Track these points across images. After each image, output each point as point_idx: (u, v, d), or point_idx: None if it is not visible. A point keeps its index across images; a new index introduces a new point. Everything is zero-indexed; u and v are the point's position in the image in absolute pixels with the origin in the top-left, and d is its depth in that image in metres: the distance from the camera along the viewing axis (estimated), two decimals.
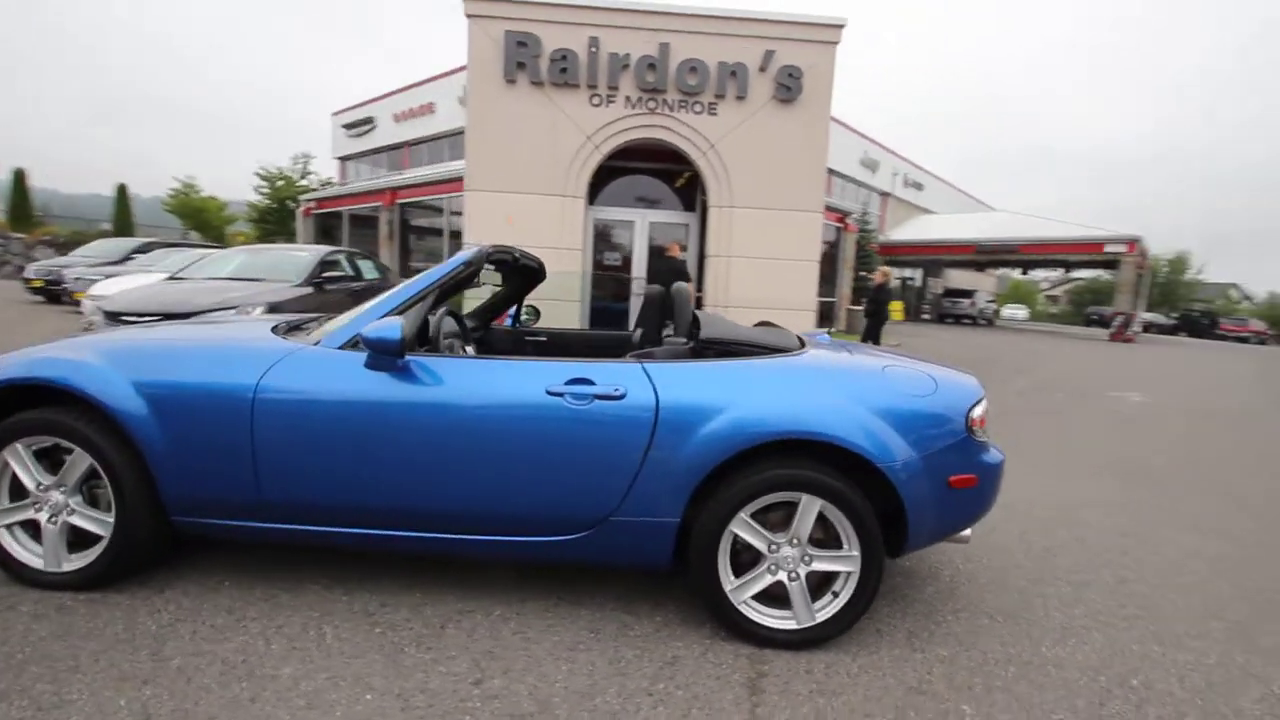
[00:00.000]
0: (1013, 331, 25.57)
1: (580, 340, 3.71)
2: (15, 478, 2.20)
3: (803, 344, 2.41)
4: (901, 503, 2.09)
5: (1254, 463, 5.49)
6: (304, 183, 25.66)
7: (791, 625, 2.13)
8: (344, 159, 27.45)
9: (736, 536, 2.12)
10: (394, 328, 2.00)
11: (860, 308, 16.87)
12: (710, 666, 2.02)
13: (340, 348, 2.19)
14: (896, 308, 21.64)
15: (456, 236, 15.91)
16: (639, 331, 3.14)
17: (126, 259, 12.86)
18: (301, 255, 8.10)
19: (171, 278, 7.63)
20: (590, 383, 2.10)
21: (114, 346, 2.28)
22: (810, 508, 2.08)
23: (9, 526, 2.22)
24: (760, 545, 2.12)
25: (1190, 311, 35.60)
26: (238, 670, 1.85)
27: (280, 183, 25.32)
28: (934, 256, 26.39)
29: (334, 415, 2.10)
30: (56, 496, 2.19)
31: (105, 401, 2.09)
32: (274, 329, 2.52)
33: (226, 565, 2.46)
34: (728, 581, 2.13)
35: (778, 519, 2.14)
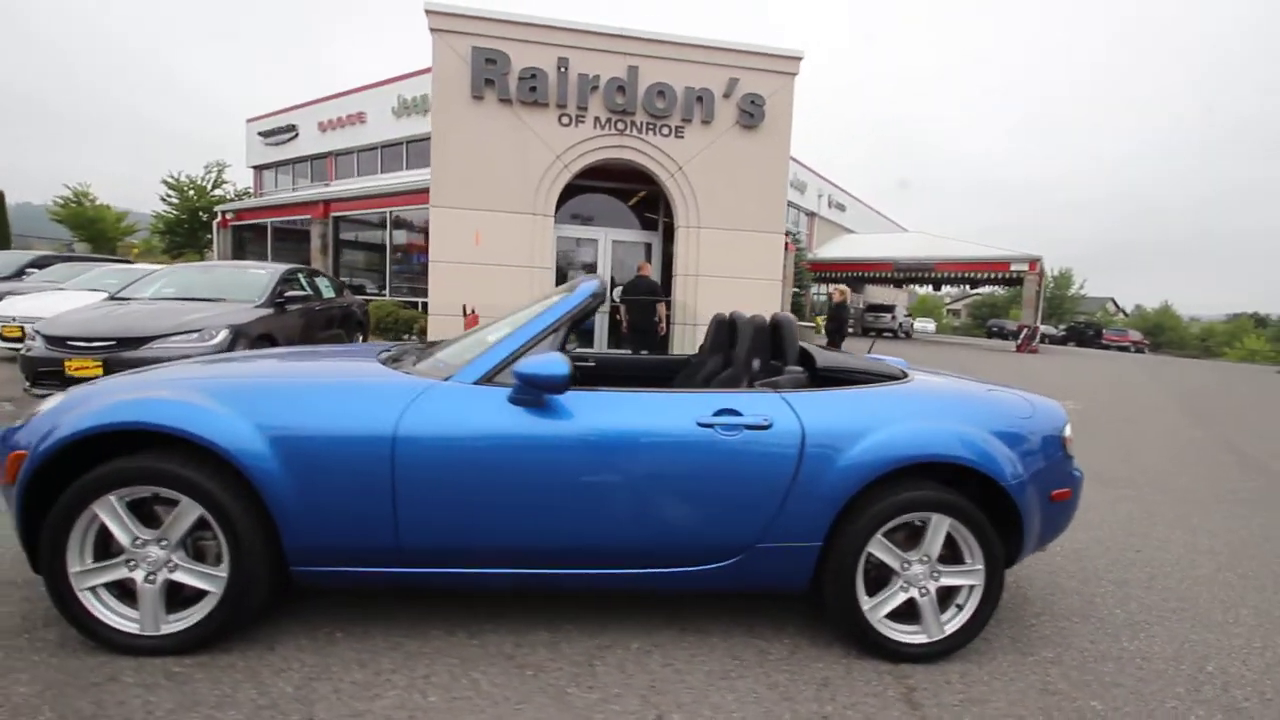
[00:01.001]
0: (929, 344, 27.39)
1: (634, 366, 3.71)
2: (101, 533, 1.98)
3: (905, 373, 2.56)
4: (1020, 517, 2.26)
5: (1199, 461, 6.19)
6: (218, 192, 23.93)
7: (923, 639, 2.24)
8: (260, 168, 25.82)
9: (869, 556, 2.22)
10: (560, 363, 1.97)
11: (810, 324, 17.62)
12: (862, 685, 2.10)
13: (476, 383, 2.13)
14: (819, 322, 22.68)
15: (401, 251, 15.40)
16: (714, 358, 3.19)
17: (20, 274, 11.53)
18: (258, 273, 7.60)
19: (113, 298, 6.96)
20: (738, 413, 2.14)
21: (221, 385, 2.11)
22: (941, 526, 2.21)
23: (93, 589, 1.99)
24: (894, 564, 2.23)
25: (1076, 323, 39.45)
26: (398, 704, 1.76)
27: (191, 192, 23.48)
28: (858, 273, 27.88)
29: (479, 454, 2.04)
30: (155, 551, 1.99)
31: (227, 447, 1.93)
32: (381, 360, 2.41)
33: (321, 613, 2.31)
34: (864, 601, 2.22)
35: (902, 538, 2.26)
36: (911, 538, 2.25)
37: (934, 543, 2.23)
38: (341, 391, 2.11)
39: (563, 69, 9.18)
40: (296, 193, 20.11)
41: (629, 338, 9.09)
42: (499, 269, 9.33)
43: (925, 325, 43.94)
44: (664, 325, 9.26)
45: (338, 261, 17.12)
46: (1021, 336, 22.94)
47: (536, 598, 2.50)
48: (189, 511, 1.97)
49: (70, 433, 1.91)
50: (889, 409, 2.26)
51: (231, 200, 22.07)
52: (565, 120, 9.34)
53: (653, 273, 9.24)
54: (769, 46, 9.65)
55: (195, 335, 5.97)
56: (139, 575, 1.99)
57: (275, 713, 1.79)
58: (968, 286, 34.68)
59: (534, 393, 2.06)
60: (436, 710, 1.84)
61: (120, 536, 1.97)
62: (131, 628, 1.99)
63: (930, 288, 38.82)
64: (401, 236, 15.68)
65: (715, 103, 9.58)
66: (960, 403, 2.39)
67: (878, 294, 34.81)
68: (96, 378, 2.59)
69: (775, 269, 10.31)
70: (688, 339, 9.93)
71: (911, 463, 2.16)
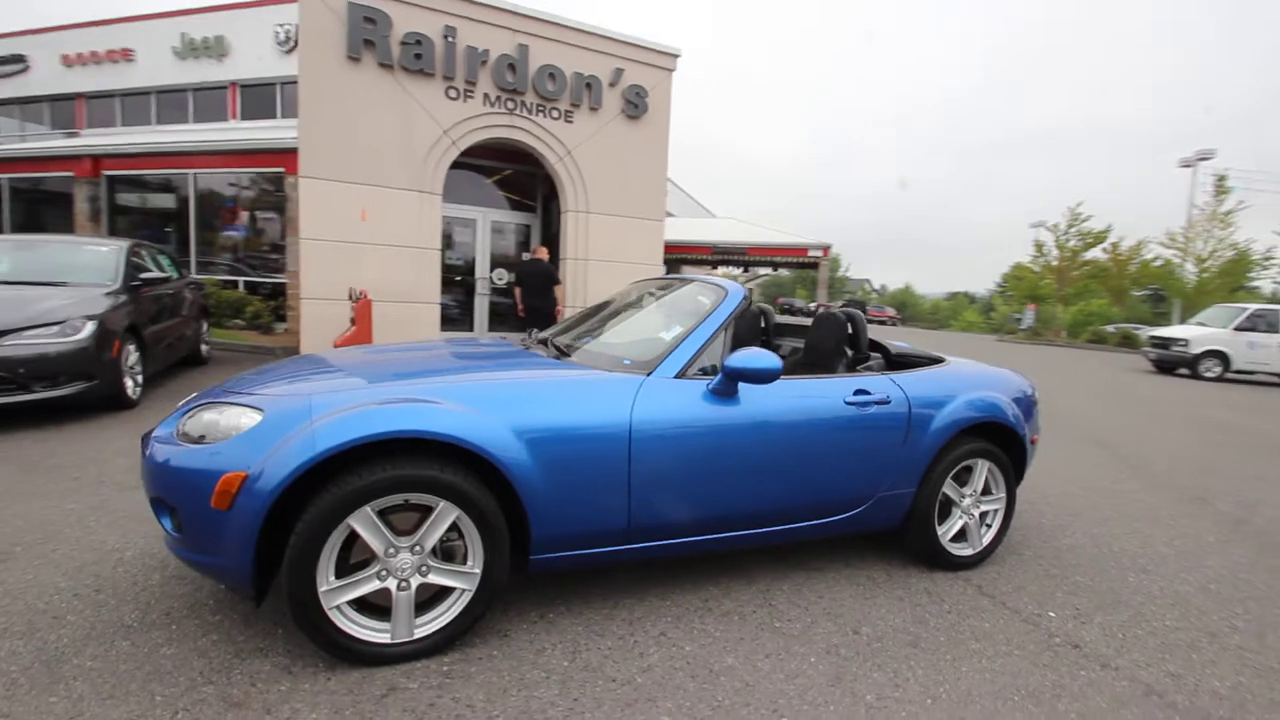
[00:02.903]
0: None
1: None
2: (344, 547, 1.94)
3: (944, 357, 3.32)
4: (1025, 458, 3.16)
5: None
6: None
7: (969, 552, 3.04)
8: None
9: (944, 496, 2.95)
10: (771, 357, 2.33)
11: None
12: (948, 587, 2.83)
13: (675, 377, 2.41)
14: None
15: (203, 220, 13.23)
16: (791, 345, 3.67)
17: None
18: (98, 250, 6.36)
19: None
20: (868, 392, 2.71)
21: (465, 389, 2.14)
22: (983, 469, 3.02)
23: (339, 606, 1.94)
24: (956, 499, 3.00)
25: (848, 301, 46.67)
26: (699, 671, 2.07)
27: None
28: (680, 255, 29.90)
29: (690, 440, 2.34)
30: (406, 558, 2.00)
31: (494, 451, 2.01)
32: (554, 355, 2.58)
33: (517, 603, 2.44)
34: (938, 529, 2.95)
35: (959, 479, 3.03)
36: (962, 478, 3.02)
37: (979, 481, 3.04)
38: (576, 390, 2.26)
39: (450, 38, 8.75)
40: (50, 143, 15.97)
41: (526, 321, 9.14)
42: (384, 249, 8.72)
43: None
44: (561, 309, 9.46)
45: (113, 232, 14.15)
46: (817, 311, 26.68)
47: (676, 562, 2.85)
48: (446, 515, 2.01)
49: (335, 444, 1.85)
50: (954, 384, 3.00)
51: None
52: (453, 94, 8.94)
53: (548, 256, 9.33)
54: (651, 41, 10.14)
55: (55, 329, 4.98)
56: (392, 584, 1.99)
57: (589, 674, 1.98)
58: (772, 269, 39.01)
59: (731, 384, 2.41)
60: (698, 655, 2.16)
61: (375, 546, 1.95)
62: (382, 638, 1.99)
63: (741, 270, 42.97)
64: (191, 203, 13.44)
65: (603, 91, 9.85)
66: (990, 379, 3.20)
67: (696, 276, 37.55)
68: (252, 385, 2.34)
69: (657, 255, 10.99)
70: None
71: (975, 423, 2.93)
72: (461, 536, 2.07)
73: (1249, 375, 14.39)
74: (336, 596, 1.92)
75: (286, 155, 11.05)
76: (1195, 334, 14.37)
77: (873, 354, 3.24)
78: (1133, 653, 2.39)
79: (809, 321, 3.61)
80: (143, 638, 2.08)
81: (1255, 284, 25.34)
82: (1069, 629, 2.55)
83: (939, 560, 2.97)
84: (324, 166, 8.29)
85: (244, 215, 12.29)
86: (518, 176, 11.32)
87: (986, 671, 2.20)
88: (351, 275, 8.43)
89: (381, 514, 1.97)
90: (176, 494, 1.92)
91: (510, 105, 9.32)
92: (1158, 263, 26.68)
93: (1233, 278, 24.08)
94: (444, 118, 8.91)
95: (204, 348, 8.00)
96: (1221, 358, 13.94)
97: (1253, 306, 14.52)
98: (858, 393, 2.70)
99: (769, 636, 2.32)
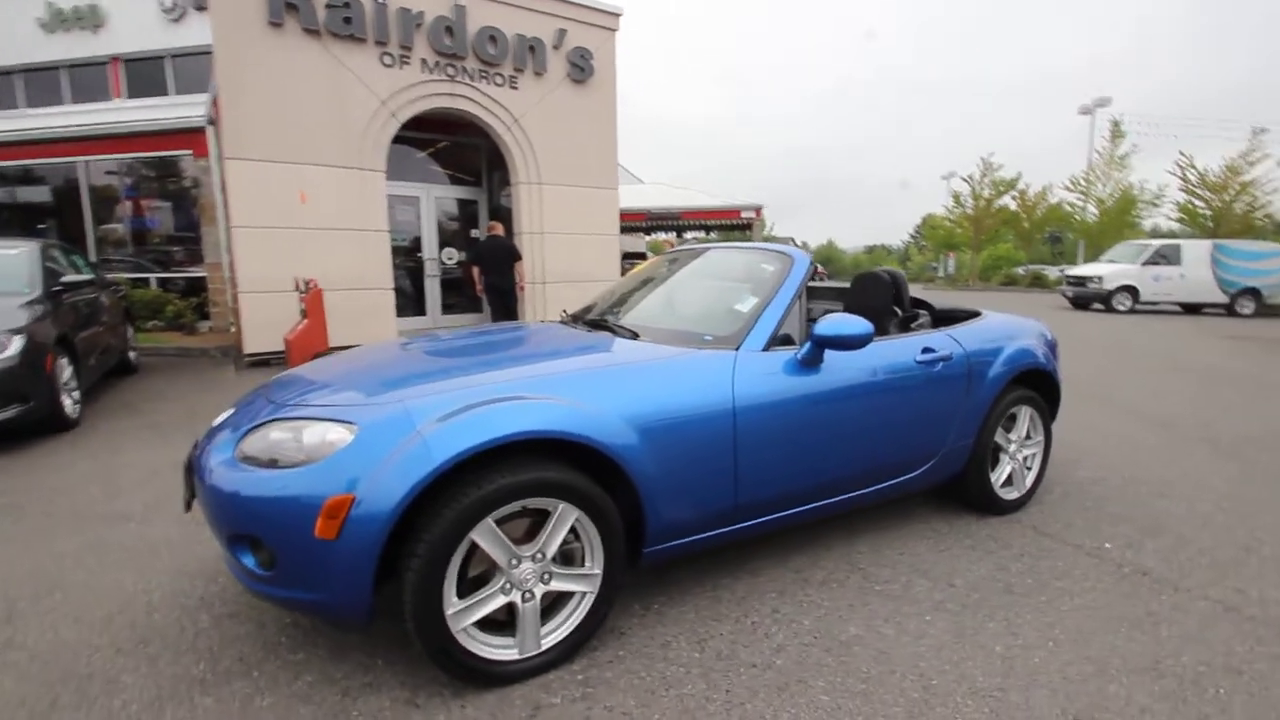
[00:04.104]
0: None
1: None
2: (465, 561, 1.77)
3: (980, 311, 3.37)
4: (1058, 401, 3.29)
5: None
6: None
7: (1016, 495, 3.15)
8: None
9: (994, 444, 3.03)
10: (861, 322, 2.27)
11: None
12: (1008, 530, 2.93)
13: (764, 350, 2.32)
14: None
15: (101, 212, 11.88)
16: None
17: None
18: (8, 255, 5.56)
19: None
20: (933, 350, 2.72)
21: (562, 381, 1.98)
22: (1025, 414, 3.13)
23: (466, 628, 1.78)
24: (1006, 446, 3.09)
25: None
26: (831, 645, 2.05)
27: None
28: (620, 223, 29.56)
29: (787, 411, 2.28)
30: (529, 567, 1.85)
31: (611, 443, 1.87)
32: (616, 336, 2.49)
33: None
34: (992, 477, 3.04)
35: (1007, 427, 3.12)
36: (1007, 426, 3.11)
37: (1023, 427, 3.14)
38: (680, 371, 2.13)
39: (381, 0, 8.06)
40: None
41: (487, 300, 8.78)
42: (327, 234, 8.09)
43: None
44: (523, 286, 9.14)
45: None
46: None
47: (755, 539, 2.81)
48: (567, 517, 1.86)
49: (455, 453, 1.66)
50: (999, 336, 3.06)
51: None
52: (388, 60, 8.28)
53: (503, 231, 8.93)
54: (592, 1, 9.72)
55: None
56: (516, 597, 1.84)
57: (726, 663, 1.91)
58: (705, 233, 39.22)
59: (819, 353, 2.35)
60: (821, 628, 2.14)
61: (499, 559, 1.79)
62: (510, 654, 1.84)
63: (675, 234, 42.91)
64: (85, 195, 12.03)
65: (547, 54, 9.40)
66: (1023, 328, 3.27)
67: (629, 243, 37.27)
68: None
69: (613, 224, 10.76)
70: (538, 299, 9.93)
71: (1021, 371, 3.01)
72: (578, 538, 1.94)
73: (1154, 306, 15.79)
74: (463, 619, 1.76)
75: (193, 135, 10.00)
76: (1108, 271, 15.57)
77: (918, 310, 3.26)
78: (1194, 574, 2.55)
79: (830, 285, 3.59)
80: (226, 690, 1.84)
81: (1144, 222, 27.60)
82: (1130, 557, 2.69)
83: (992, 506, 3.07)
84: (252, 146, 7.54)
85: (148, 205, 11.08)
86: (458, 149, 10.74)
87: (1084, 608, 2.29)
88: (293, 264, 7.79)
89: (498, 523, 1.80)
90: (266, 527, 1.69)
91: (451, 71, 8.75)
92: (1066, 208, 28.55)
93: (1121, 216, 26.15)
94: (381, 87, 8.27)
95: (132, 355, 7.24)
96: (1132, 291, 15.20)
97: (1157, 243, 15.85)
98: (925, 351, 2.70)
99: (876, 600, 2.32)
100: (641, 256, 32.58)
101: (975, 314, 3.28)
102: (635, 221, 29.42)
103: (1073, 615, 2.24)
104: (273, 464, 1.75)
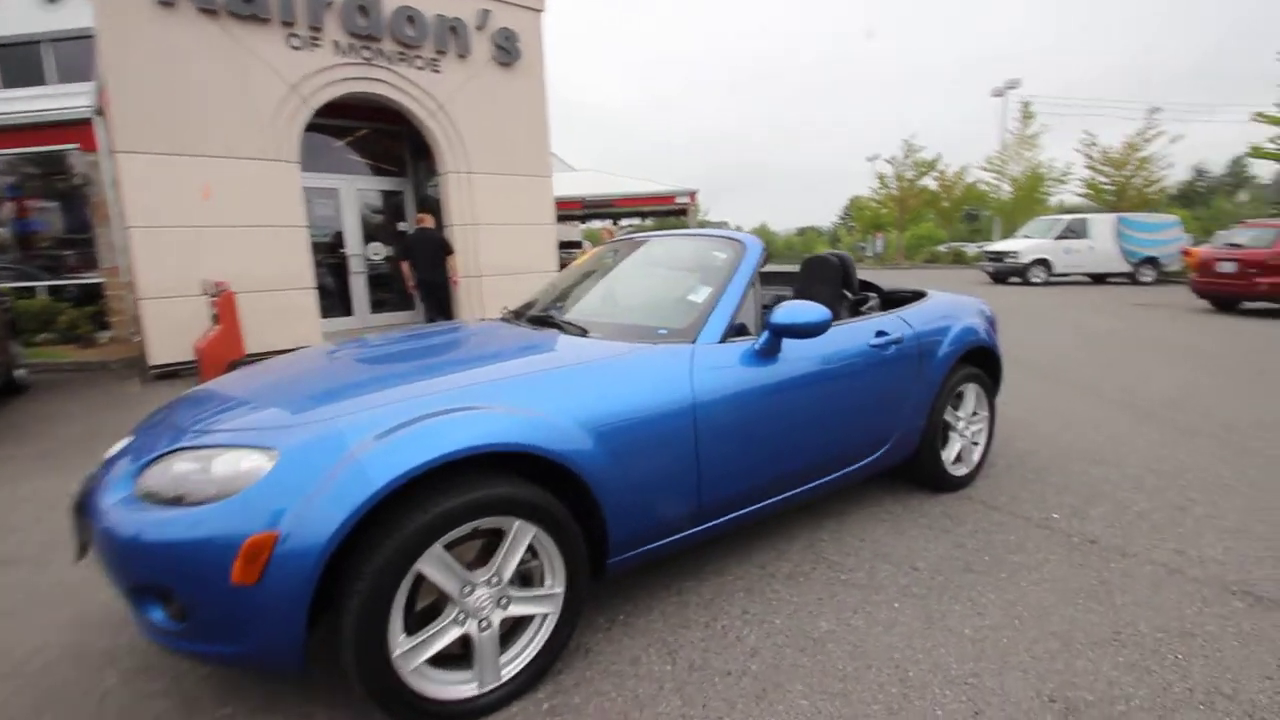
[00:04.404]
0: None
1: None
2: (412, 593, 1.60)
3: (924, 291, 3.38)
4: (1000, 376, 3.36)
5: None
6: None
7: (965, 472, 3.20)
8: None
9: (944, 422, 3.06)
10: (817, 309, 2.20)
11: None
12: (959, 505, 2.97)
13: (720, 342, 2.22)
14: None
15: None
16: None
17: None
18: None
19: None
20: (886, 333, 2.70)
21: (509, 387, 1.81)
22: (971, 391, 3.17)
23: (418, 668, 1.61)
24: (954, 424, 3.13)
25: None
26: (804, 643, 1.99)
27: None
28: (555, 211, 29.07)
29: (746, 404, 2.19)
30: (484, 593, 1.69)
31: (568, 452, 1.73)
32: (563, 333, 2.32)
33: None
34: (944, 455, 3.07)
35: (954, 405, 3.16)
36: (955, 404, 3.15)
37: (970, 404, 3.19)
38: (636, 368, 2.00)
39: None
40: None
41: (420, 296, 8.40)
42: (238, 232, 7.49)
43: None
44: (457, 280, 8.79)
45: None
46: None
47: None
48: (524, 535, 1.72)
49: (395, 475, 1.48)
50: (944, 316, 3.08)
51: None
52: (296, 43, 7.71)
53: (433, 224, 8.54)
54: None
55: None
56: (472, 627, 1.68)
57: (700, 674, 1.81)
58: (640, 219, 39.04)
59: (777, 342, 2.27)
60: (793, 626, 2.08)
61: (449, 588, 1.63)
62: (469, 689, 1.69)
63: (611, 221, 42.51)
64: None
65: (470, 35, 8.99)
66: (965, 306, 3.31)
67: (564, 232, 36.72)
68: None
69: (549, 213, 10.47)
70: (474, 293, 9.58)
71: (967, 349, 3.04)
72: (536, 556, 1.79)
73: (1066, 277, 16.78)
74: (413, 658, 1.59)
75: (80, 128, 9.09)
76: (1024, 245, 16.42)
77: (866, 293, 3.24)
78: (1137, 539, 2.65)
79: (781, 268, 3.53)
80: None
81: (1053, 198, 29.28)
82: (1077, 526, 2.77)
83: (943, 483, 3.11)
84: (145, 138, 6.88)
85: (33, 206, 10.01)
86: (380, 137, 10.18)
87: (1042, 581, 2.33)
88: (201, 265, 7.20)
89: (447, 548, 1.63)
90: (175, 576, 1.46)
91: (366, 54, 8.24)
92: (982, 187, 29.89)
93: (1031, 193, 27.65)
94: (289, 71, 7.69)
95: (20, 372, 6.53)
96: (1046, 264, 16.09)
97: (1067, 218, 16.81)
98: (878, 334, 2.68)
99: (844, 591, 2.29)
100: (577, 245, 32.22)
101: (921, 294, 3.30)
102: (570, 210, 29.03)
103: (1033, 590, 2.27)
104: (179, 501, 1.52)
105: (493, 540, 1.72)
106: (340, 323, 9.72)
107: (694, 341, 2.19)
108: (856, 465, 2.68)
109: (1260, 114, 16.87)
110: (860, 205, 41.15)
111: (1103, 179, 24.89)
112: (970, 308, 3.33)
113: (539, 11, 9.76)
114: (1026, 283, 16.29)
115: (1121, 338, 8.00)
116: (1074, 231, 16.23)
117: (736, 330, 2.31)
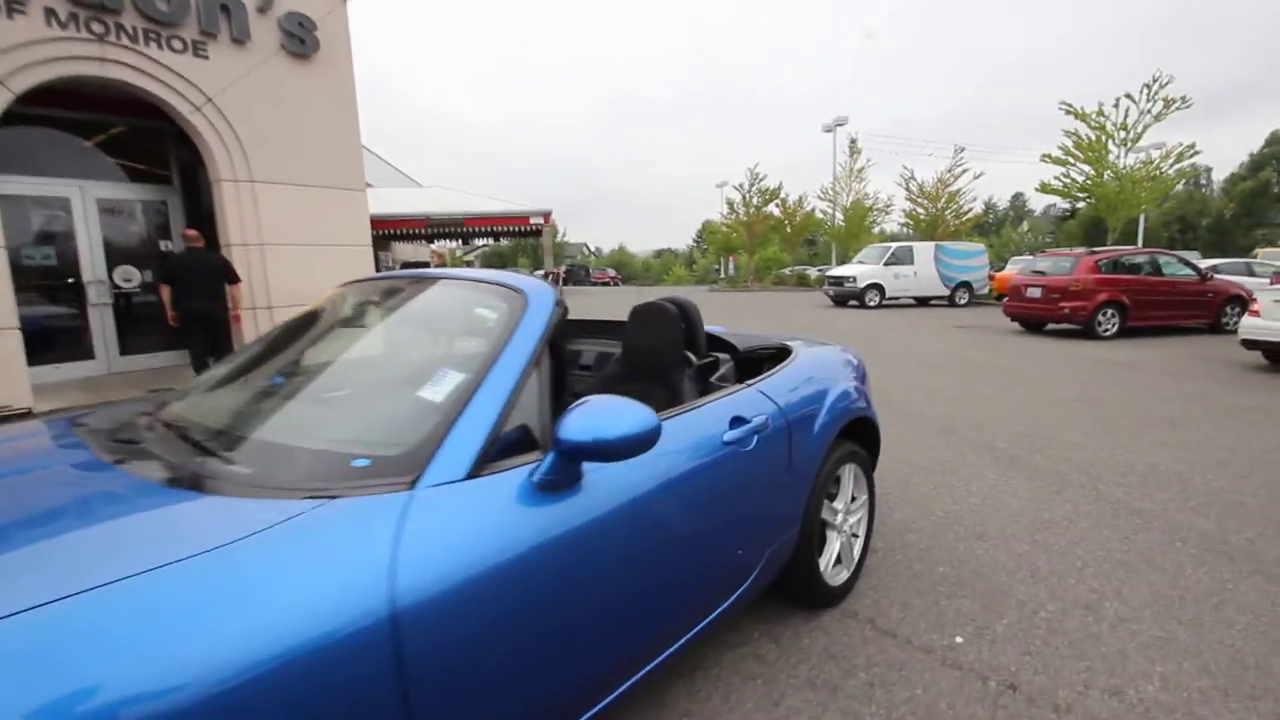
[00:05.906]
0: None
1: None
2: None
3: (789, 345, 2.63)
4: (879, 447, 2.70)
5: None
6: None
7: (847, 575, 2.48)
8: None
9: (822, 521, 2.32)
10: (635, 415, 1.29)
11: None
12: (841, 630, 2.23)
13: (468, 477, 1.24)
14: None
15: None
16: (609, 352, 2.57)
17: None
18: None
19: None
20: (745, 420, 1.87)
21: None
22: (849, 475, 2.47)
23: None
24: (831, 520, 2.39)
25: (571, 266, 47.33)
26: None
27: None
28: (388, 231, 26.67)
29: (517, 585, 1.22)
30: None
31: None
32: (170, 476, 1.14)
33: None
34: (821, 563, 2.32)
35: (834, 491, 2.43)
36: (831, 493, 2.41)
37: (849, 490, 2.48)
38: (253, 573, 0.93)
39: None
40: None
41: (183, 332, 6.63)
42: None
43: None
44: (238, 313, 7.09)
45: None
46: (549, 280, 26.30)
47: None
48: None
49: None
50: (815, 382, 2.33)
51: None
52: None
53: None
54: None
55: None
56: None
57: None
58: (493, 240, 37.25)
59: (572, 468, 1.34)
60: None
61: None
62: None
63: (460, 242, 40.09)
64: None
65: (249, 17, 7.36)
66: (834, 365, 2.60)
67: (406, 251, 34.13)
68: None
69: (363, 233, 8.95)
70: (262, 327, 7.82)
71: (847, 424, 2.32)
72: None
73: (896, 300, 17.92)
74: None
75: None
76: (859, 271, 17.31)
77: (716, 354, 2.43)
78: (1062, 672, 2.03)
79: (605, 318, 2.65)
80: None
81: (878, 227, 31.96)
82: (989, 657, 2.11)
83: (822, 597, 2.36)
84: None
85: None
86: (136, 136, 8.14)
87: None
88: None
89: None
90: None
91: (99, 29, 6.38)
92: (820, 215, 31.93)
93: (859, 222, 30.00)
94: None
95: None
96: (879, 289, 17.05)
97: (894, 245, 18.00)
98: (734, 422, 1.84)
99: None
100: (424, 266, 29.92)
101: (785, 352, 2.55)
102: (415, 228, 26.85)
103: None
104: None
105: None
106: (74, 369, 7.51)
107: (414, 482, 1.18)
108: (711, 616, 1.81)
109: (1047, 155, 19.46)
110: (712, 229, 42.59)
111: (920, 210, 27.51)
112: (840, 363, 2.66)
113: None
114: (863, 305, 17.16)
115: (957, 363, 8.17)
116: (899, 259, 17.40)
117: (510, 446, 1.35)
